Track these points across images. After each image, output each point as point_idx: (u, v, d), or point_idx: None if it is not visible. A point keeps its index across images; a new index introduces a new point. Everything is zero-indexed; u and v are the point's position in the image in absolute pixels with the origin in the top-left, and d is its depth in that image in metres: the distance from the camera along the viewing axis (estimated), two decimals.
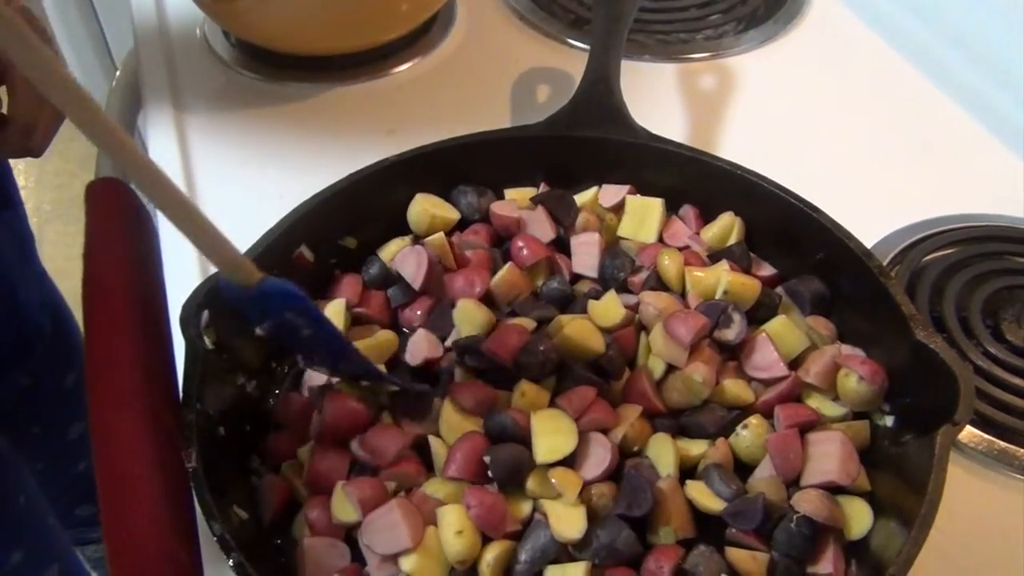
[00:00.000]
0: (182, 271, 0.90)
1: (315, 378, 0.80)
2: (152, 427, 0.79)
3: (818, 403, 0.77)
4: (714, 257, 0.87)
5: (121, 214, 1.00)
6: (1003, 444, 0.81)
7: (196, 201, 1.00)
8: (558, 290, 0.85)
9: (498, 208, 0.90)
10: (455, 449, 0.72)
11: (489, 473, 0.70)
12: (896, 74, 1.22)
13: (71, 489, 1.54)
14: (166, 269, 0.91)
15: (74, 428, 1.44)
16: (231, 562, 0.61)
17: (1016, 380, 0.84)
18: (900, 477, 0.71)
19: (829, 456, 0.72)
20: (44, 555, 1.37)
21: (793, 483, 0.73)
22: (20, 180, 2.71)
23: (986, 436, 0.81)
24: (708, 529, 0.71)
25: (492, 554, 0.68)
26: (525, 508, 0.71)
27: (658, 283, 0.85)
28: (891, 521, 0.69)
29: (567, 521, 0.68)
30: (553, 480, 0.70)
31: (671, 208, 0.92)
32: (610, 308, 0.80)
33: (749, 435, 0.74)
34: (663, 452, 0.74)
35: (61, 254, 1.37)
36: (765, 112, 1.15)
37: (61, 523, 1.47)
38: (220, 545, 0.62)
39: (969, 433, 0.81)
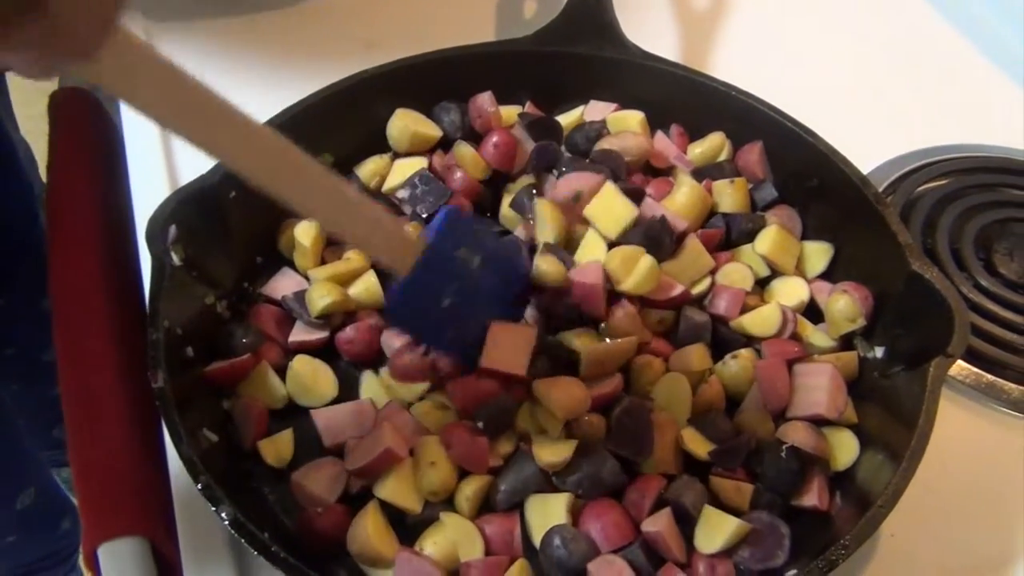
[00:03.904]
0: (149, 184, 0.86)
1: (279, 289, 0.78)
2: (118, 347, 0.76)
3: (808, 332, 0.76)
4: (700, 173, 0.84)
5: (86, 125, 0.95)
6: (991, 377, 0.80)
7: None
8: None
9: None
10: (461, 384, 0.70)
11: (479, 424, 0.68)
12: None
13: (47, 411, 1.51)
14: (133, 182, 0.87)
15: (50, 351, 1.40)
16: (199, 485, 0.59)
17: (1007, 313, 0.83)
18: (888, 409, 0.70)
19: (817, 389, 0.70)
20: (17, 479, 1.35)
21: (779, 415, 0.72)
22: None
23: (974, 369, 0.80)
24: (694, 463, 0.70)
25: (471, 488, 0.67)
26: (508, 445, 0.69)
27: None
28: (877, 453, 0.68)
29: (552, 450, 0.67)
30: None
31: (663, 129, 0.88)
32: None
33: (737, 365, 0.72)
34: (676, 392, 0.72)
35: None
36: (760, 33, 1.11)
37: (37, 444, 1.45)
38: (188, 468, 0.60)
39: (958, 366, 0.80)
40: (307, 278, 0.79)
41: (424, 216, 0.81)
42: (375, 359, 0.76)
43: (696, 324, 0.75)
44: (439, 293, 0.65)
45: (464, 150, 0.84)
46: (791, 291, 0.78)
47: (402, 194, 0.82)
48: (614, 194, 0.75)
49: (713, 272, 0.78)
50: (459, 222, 0.67)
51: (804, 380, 0.71)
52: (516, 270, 0.72)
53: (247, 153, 0.54)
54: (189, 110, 0.50)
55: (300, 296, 0.76)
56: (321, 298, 0.74)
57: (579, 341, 0.71)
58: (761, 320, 0.75)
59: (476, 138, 0.86)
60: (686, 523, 0.66)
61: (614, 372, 0.71)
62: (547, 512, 0.66)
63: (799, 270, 0.80)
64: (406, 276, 0.64)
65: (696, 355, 0.73)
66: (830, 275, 0.80)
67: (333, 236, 0.76)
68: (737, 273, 0.78)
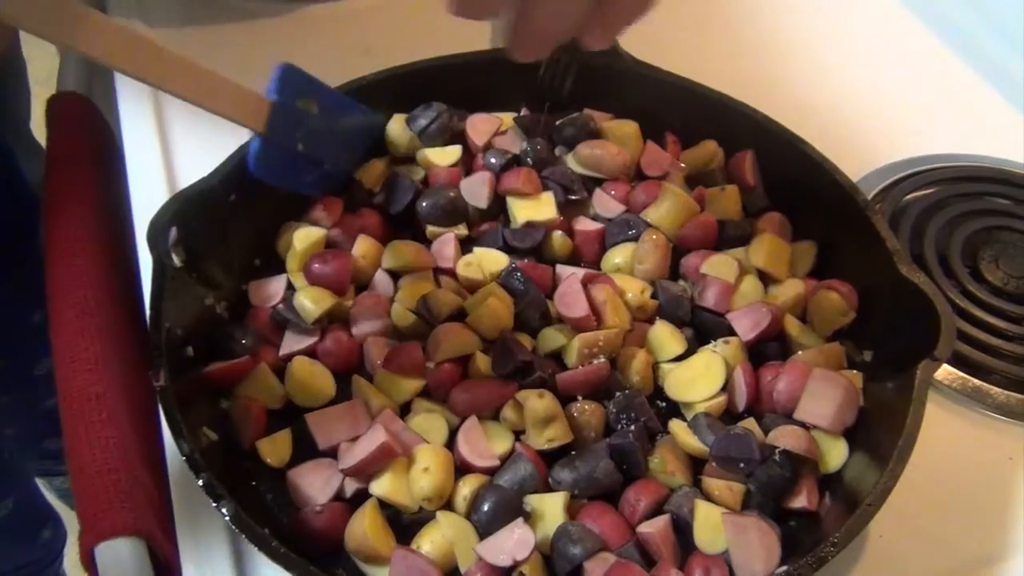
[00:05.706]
0: (148, 187, 0.87)
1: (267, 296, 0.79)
2: (116, 348, 0.76)
3: (796, 331, 0.77)
4: (693, 180, 0.86)
5: (83, 130, 0.96)
6: (977, 382, 0.81)
7: (163, 121, 0.96)
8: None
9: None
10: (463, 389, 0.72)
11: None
12: (884, 10, 1.20)
13: (39, 423, 1.51)
14: (131, 185, 0.88)
15: (41, 364, 1.40)
16: (200, 482, 0.59)
17: (992, 319, 0.84)
18: (877, 412, 0.71)
19: (828, 400, 0.70)
20: None
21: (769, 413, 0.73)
22: None
23: (961, 374, 0.81)
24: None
25: (469, 488, 0.67)
26: (505, 445, 0.70)
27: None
28: (866, 455, 0.69)
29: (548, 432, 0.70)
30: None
31: (655, 137, 0.90)
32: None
33: (727, 350, 0.75)
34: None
35: None
36: (752, 42, 1.13)
37: (26, 456, 1.44)
38: (189, 465, 0.60)
39: (944, 371, 0.81)
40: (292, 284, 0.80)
41: (392, 213, 0.83)
42: (356, 368, 0.76)
43: (674, 295, 0.78)
44: (291, 142, 0.73)
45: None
46: (787, 288, 0.80)
47: (377, 200, 0.84)
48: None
49: None
50: (293, 75, 0.73)
51: (817, 384, 0.71)
52: (355, 106, 0.82)
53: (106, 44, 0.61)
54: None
55: (290, 305, 0.76)
56: (316, 304, 0.75)
57: (563, 334, 0.74)
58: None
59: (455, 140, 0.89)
60: (685, 532, 0.66)
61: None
62: (545, 512, 0.66)
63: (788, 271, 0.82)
64: (259, 134, 0.70)
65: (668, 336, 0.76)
66: (817, 278, 0.81)
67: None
68: (723, 264, 0.79)
